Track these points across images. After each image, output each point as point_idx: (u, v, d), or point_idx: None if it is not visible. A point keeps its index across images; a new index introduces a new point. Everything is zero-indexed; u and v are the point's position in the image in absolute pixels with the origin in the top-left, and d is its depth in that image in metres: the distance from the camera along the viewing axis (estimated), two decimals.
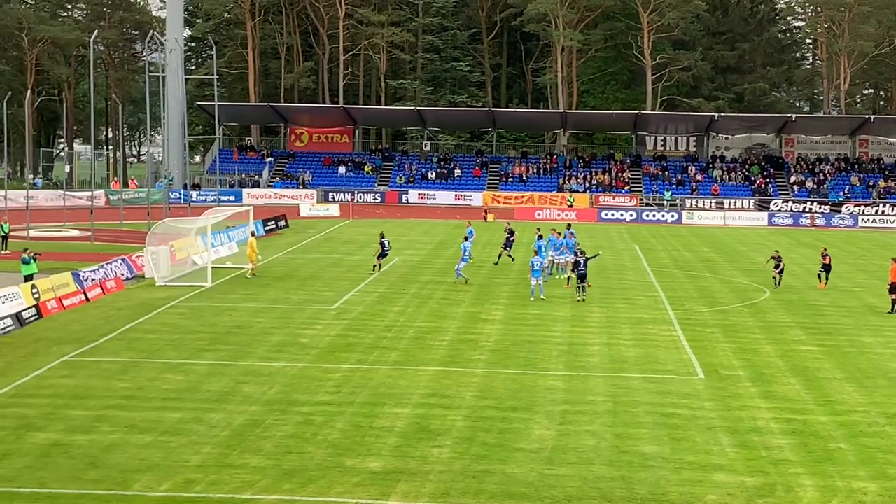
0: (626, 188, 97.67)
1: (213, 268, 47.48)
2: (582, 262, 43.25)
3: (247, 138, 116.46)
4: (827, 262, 48.31)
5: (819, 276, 48.72)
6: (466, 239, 50.36)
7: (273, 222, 71.53)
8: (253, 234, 51.41)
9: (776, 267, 47.70)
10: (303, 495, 20.06)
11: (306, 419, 25.15)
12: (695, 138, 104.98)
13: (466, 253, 48.49)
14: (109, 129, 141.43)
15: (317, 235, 68.84)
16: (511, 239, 54.55)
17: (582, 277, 43.05)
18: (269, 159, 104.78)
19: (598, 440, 23.91)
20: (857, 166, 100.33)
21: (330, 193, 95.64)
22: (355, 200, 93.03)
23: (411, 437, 23.80)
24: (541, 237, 49.32)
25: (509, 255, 54.18)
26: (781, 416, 26.09)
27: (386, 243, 50.41)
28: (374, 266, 50.40)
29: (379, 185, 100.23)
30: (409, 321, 38.38)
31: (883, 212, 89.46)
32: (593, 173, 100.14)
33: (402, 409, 26.13)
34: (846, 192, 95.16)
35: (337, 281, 47.49)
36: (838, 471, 22.06)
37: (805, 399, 27.87)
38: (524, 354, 32.90)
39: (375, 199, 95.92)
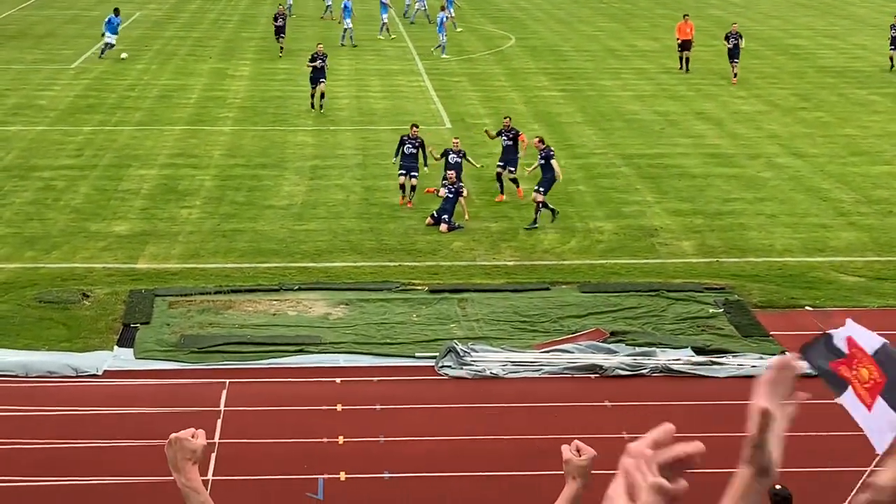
0: None
1: None
2: None
3: None
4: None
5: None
6: None
7: None
8: None
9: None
10: (47, 262, 19.68)
11: (47, 185, 24.43)
12: None
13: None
14: None
15: None
16: None
17: None
18: None
19: (348, 194, 24.19)
20: None
21: None
22: None
23: (159, 199, 23.51)
24: None
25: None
26: (523, 162, 26.81)
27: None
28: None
29: None
30: (153, 79, 37.28)
31: None
32: None
33: (149, 171, 25.68)
34: None
35: (75, 39, 45.25)
36: (577, 212, 23.08)
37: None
38: (273, 111, 32.60)
39: None
